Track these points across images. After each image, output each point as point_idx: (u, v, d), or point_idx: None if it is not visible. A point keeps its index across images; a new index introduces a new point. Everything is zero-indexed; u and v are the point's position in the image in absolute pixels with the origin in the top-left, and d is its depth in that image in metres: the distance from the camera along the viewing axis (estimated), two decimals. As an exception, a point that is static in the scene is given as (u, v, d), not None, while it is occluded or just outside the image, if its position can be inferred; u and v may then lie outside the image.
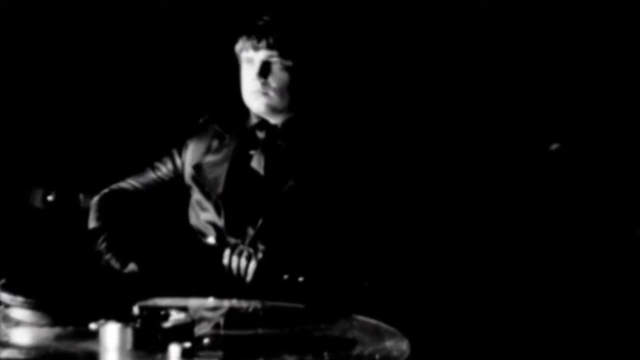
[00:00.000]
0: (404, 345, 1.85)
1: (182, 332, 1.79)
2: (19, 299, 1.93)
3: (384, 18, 3.04)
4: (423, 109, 3.01)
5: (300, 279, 2.30)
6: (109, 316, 1.80)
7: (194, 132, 2.57)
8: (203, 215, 2.46)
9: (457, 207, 2.90)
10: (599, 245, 2.86)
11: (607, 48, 2.98)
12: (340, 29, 2.94)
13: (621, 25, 2.97)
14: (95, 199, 2.56)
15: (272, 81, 2.44)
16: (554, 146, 2.95)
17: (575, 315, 2.75)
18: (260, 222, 2.37)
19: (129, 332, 1.76)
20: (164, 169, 2.58)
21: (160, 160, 2.59)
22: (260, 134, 2.49)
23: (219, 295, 2.20)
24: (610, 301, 2.77)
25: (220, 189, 2.44)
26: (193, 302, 2.13)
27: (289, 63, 2.43)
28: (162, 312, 1.82)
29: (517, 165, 2.97)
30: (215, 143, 2.52)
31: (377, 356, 1.78)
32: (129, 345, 1.77)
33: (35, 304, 1.93)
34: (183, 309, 1.91)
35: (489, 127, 3.01)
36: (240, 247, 2.35)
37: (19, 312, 1.94)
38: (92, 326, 1.80)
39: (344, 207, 2.39)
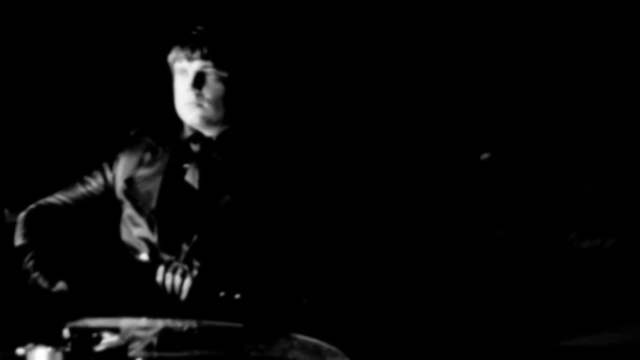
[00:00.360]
0: (346, 365, 1.82)
1: (115, 356, 1.74)
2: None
3: (318, 29, 3.03)
4: (357, 122, 3.01)
5: (237, 296, 2.26)
6: (38, 340, 1.73)
7: (126, 144, 2.53)
8: (135, 230, 2.42)
9: (394, 220, 2.89)
10: (530, 254, 2.88)
11: (535, 58, 3.02)
12: (275, 39, 2.93)
13: (547, 37, 3.01)
14: (22, 214, 2.50)
15: (207, 92, 2.40)
16: (485, 156, 2.96)
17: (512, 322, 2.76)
18: (195, 238, 2.33)
19: (59, 356, 1.71)
20: (94, 183, 2.53)
21: (90, 174, 2.54)
22: (195, 147, 2.45)
23: (153, 314, 2.15)
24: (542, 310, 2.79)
25: (153, 204, 2.40)
26: (125, 322, 2.08)
27: (224, 74, 2.41)
28: (94, 335, 1.77)
29: (449, 175, 2.97)
30: (147, 156, 2.48)
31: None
32: (58, 370, 1.71)
33: (-43, 327, 1.86)
34: (115, 330, 1.85)
35: (421, 139, 3.02)
36: (175, 263, 2.30)
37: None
38: (19, 351, 1.73)
39: (281, 222, 2.36)
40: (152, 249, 2.37)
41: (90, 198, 2.51)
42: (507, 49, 3.03)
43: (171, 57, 2.44)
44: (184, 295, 2.25)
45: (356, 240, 2.55)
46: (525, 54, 3.02)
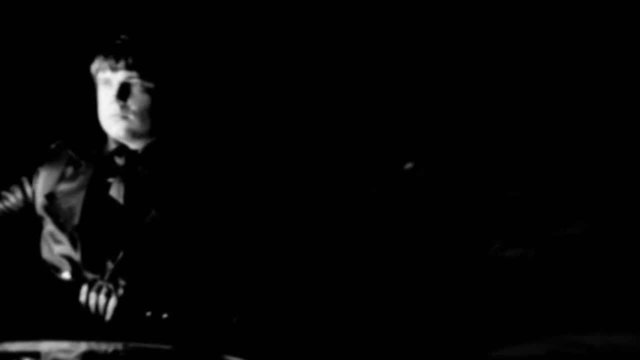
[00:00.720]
0: (280, 388, 1.79)
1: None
2: None
3: (247, 37, 3.02)
4: (282, 135, 3.01)
5: (165, 316, 2.21)
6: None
7: (46, 158, 2.47)
8: (57, 248, 2.36)
9: (322, 233, 2.88)
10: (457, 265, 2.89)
11: (457, 68, 3.05)
12: (201, 49, 2.91)
13: (468, 46, 3.04)
14: None
15: (132, 104, 2.36)
16: (408, 165, 2.97)
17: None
18: (120, 255, 2.28)
19: (-24, 385, 1.63)
20: (13, 199, 2.47)
21: (8, 189, 2.48)
22: (119, 161, 2.40)
23: (75, 336, 2.10)
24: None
25: (76, 220, 2.34)
26: (46, 346, 2.03)
27: (150, 84, 2.36)
28: (13, 362, 1.69)
29: (373, 185, 2.98)
30: (69, 170, 2.42)
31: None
32: (-25, 401, 1.63)
33: None
34: (35, 354, 1.79)
35: (344, 150, 3.02)
36: (99, 282, 2.25)
37: None
38: None
39: (210, 238, 2.31)
40: (75, 267, 2.31)
41: (8, 214, 2.45)
42: (429, 59, 3.05)
43: (94, 67, 2.39)
44: (109, 315, 2.20)
45: (285, 256, 2.53)
46: (446, 64, 3.05)
